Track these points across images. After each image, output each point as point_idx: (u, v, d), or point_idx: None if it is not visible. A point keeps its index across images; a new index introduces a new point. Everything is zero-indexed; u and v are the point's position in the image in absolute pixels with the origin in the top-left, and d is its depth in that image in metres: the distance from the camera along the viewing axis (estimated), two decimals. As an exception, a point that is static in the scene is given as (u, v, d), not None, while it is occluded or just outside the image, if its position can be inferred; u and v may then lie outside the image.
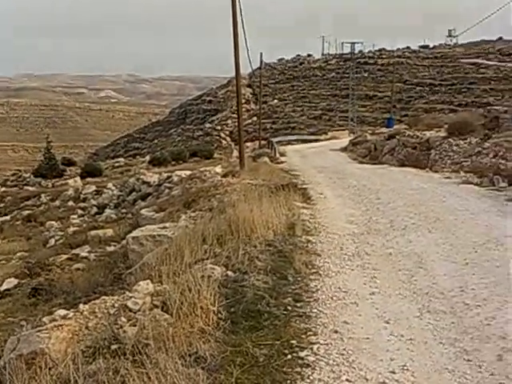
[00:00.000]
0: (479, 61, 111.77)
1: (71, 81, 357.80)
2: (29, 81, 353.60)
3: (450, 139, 29.79)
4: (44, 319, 8.54)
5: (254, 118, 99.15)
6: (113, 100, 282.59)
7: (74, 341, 7.38)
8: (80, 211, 41.07)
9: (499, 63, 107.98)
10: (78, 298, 13.30)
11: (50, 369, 6.80)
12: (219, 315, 7.67)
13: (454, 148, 28.44)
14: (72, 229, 34.01)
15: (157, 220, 20.78)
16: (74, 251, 24.62)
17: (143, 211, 25.62)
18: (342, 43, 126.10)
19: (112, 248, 22.71)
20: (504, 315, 8.24)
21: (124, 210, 37.07)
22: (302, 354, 7.00)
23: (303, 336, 7.52)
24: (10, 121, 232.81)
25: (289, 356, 6.94)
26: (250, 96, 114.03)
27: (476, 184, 21.26)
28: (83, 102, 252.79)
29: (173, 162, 56.75)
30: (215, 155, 62.38)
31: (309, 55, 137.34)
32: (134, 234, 16.31)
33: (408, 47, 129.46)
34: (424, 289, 9.47)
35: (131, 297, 8.15)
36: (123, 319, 7.51)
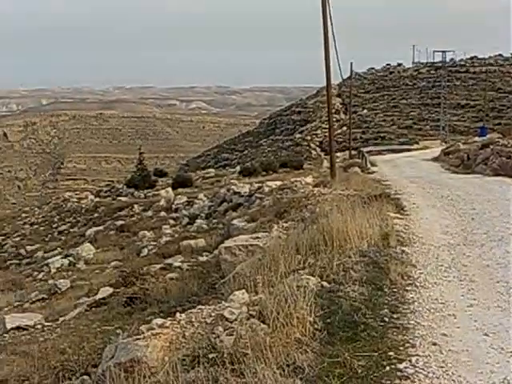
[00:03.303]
0: None
1: (163, 93, 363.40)
2: (121, 93, 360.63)
3: (546, 148, 29.11)
4: (141, 328, 8.66)
5: (344, 128, 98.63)
6: (203, 111, 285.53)
7: (171, 349, 7.44)
8: (172, 221, 41.50)
9: None
10: (173, 306, 13.41)
11: (148, 377, 6.88)
12: (315, 326, 7.63)
13: (552, 157, 27.78)
14: (164, 239, 34.41)
15: (248, 230, 20.79)
16: (166, 261, 24.88)
17: (235, 221, 25.69)
18: (433, 52, 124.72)
19: (204, 258, 22.87)
20: None
21: (215, 221, 37.26)
22: (400, 366, 6.91)
23: (401, 348, 7.42)
24: (103, 132, 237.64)
25: (387, 368, 6.86)
26: (340, 106, 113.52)
27: None
28: (174, 114, 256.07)
29: (263, 173, 56.89)
30: (305, 166, 62.25)
31: (399, 64, 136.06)
32: (227, 244, 16.35)
33: (500, 55, 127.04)
34: (524, 301, 9.25)
35: (227, 306, 8.19)
36: (220, 328, 7.54)
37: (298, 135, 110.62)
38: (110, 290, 20.77)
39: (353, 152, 68.24)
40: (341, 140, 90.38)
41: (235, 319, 7.76)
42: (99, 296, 20.42)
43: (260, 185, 38.85)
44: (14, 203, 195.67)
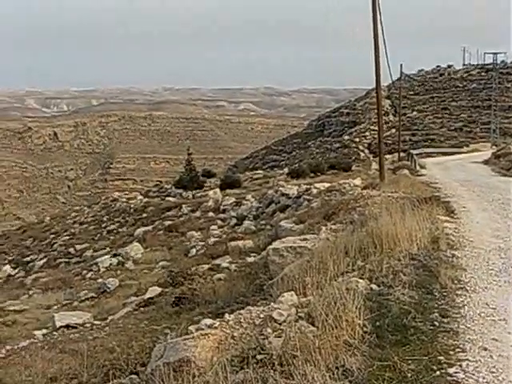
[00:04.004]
0: None
1: (211, 94, 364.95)
2: (170, 94, 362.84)
3: None
4: (190, 328, 8.69)
5: (393, 130, 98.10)
6: (252, 113, 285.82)
7: (219, 350, 7.47)
8: (220, 222, 41.59)
9: None
10: (221, 307, 13.46)
11: (197, 377, 6.90)
12: (365, 328, 7.61)
13: None
14: (212, 239, 34.49)
15: (296, 232, 20.76)
16: (214, 261, 24.98)
17: (282, 223, 25.66)
18: (484, 53, 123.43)
19: (252, 259, 22.89)
20: None
21: (263, 222, 37.25)
22: (450, 371, 6.85)
23: (451, 352, 7.36)
24: (152, 133, 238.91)
25: (437, 372, 6.81)
26: (389, 108, 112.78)
27: None
28: (223, 115, 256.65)
29: (311, 174, 56.71)
30: (353, 168, 61.97)
31: (449, 66, 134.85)
32: (275, 245, 16.36)
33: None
34: None
35: (276, 308, 8.19)
36: (269, 330, 7.55)
37: (346, 137, 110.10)
38: (159, 289, 20.93)
39: (402, 154, 67.83)
40: (390, 142, 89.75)
41: (284, 321, 7.76)
42: (147, 295, 20.59)
43: (308, 186, 38.81)
44: (64, 202, 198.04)
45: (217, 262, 24.74)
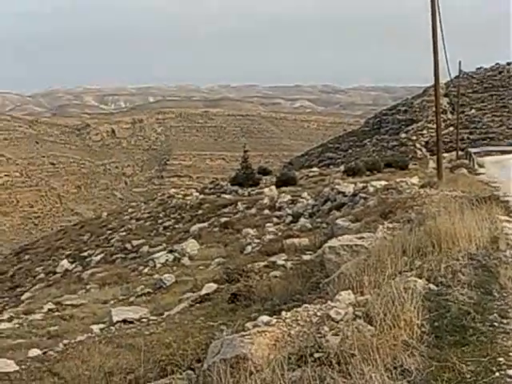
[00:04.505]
0: None
1: (267, 91, 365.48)
2: (226, 91, 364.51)
3: None
4: (247, 325, 8.70)
5: (451, 129, 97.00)
6: (308, 110, 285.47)
7: (276, 347, 7.46)
8: (275, 219, 41.59)
9: None
10: (277, 305, 13.44)
11: (254, 374, 6.90)
12: (423, 329, 7.54)
13: None
14: (268, 237, 34.51)
15: (353, 230, 20.68)
16: (270, 259, 24.95)
17: (338, 221, 25.57)
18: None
19: (308, 257, 22.81)
20: None
21: (319, 220, 37.15)
22: (510, 372, 6.73)
23: (511, 354, 7.23)
24: (208, 130, 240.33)
25: (497, 373, 6.70)
26: (447, 106, 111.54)
27: None
28: (279, 113, 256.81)
29: (367, 173, 56.38)
30: (410, 166, 61.45)
31: (508, 63, 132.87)
32: (331, 243, 16.30)
33: None
34: None
35: (333, 306, 8.16)
36: (326, 328, 7.52)
37: (403, 135, 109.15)
38: (214, 286, 20.98)
39: (460, 153, 67.13)
40: (447, 140, 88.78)
41: (341, 319, 7.73)
42: (203, 292, 20.64)
43: (364, 184, 38.62)
44: (121, 198, 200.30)
45: (272, 259, 24.71)
